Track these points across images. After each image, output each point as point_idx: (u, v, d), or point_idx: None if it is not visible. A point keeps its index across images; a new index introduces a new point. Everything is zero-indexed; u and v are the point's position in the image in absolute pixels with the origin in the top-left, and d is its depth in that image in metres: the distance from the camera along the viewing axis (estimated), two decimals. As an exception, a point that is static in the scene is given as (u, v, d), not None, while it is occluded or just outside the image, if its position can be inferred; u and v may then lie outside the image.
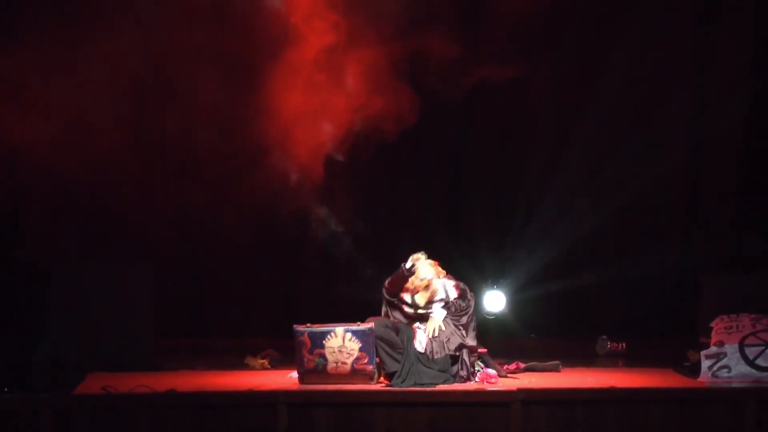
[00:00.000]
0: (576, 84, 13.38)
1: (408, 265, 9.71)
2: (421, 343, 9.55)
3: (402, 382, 9.32)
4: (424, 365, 9.45)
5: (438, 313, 9.69)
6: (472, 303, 9.84)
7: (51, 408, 8.71)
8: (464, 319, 9.72)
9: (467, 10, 12.89)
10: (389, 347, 9.48)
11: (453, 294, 9.79)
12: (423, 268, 9.75)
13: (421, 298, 9.75)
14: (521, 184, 13.43)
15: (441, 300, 9.76)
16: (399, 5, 12.20)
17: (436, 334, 9.60)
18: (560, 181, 13.39)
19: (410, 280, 9.70)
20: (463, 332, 9.70)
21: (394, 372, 9.42)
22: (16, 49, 12.28)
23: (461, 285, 9.89)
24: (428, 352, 9.49)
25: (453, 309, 9.71)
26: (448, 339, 9.60)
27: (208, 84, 12.66)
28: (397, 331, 9.60)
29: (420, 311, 9.77)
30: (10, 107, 12.17)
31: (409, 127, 12.22)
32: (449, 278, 9.91)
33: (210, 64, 12.53)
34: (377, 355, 9.49)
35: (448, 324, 9.68)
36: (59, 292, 11.06)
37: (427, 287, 9.70)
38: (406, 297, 9.81)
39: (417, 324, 9.71)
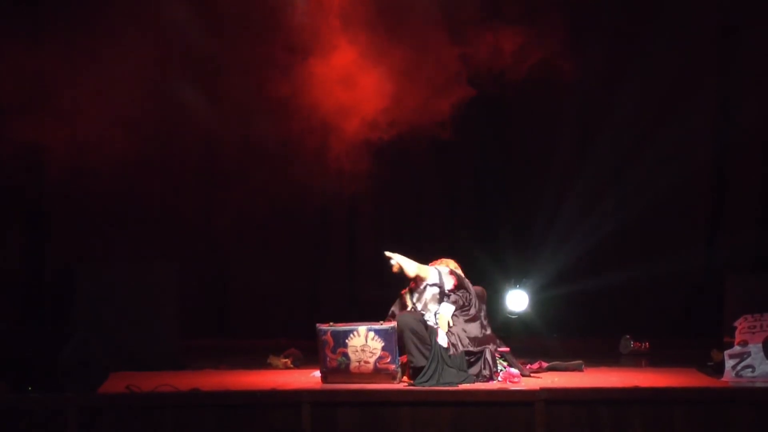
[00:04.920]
0: (601, 84, 13.37)
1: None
2: (442, 338, 9.54)
3: (426, 382, 9.31)
4: (448, 365, 9.44)
5: (445, 309, 9.67)
6: (472, 291, 9.81)
7: (76, 407, 8.75)
8: (472, 311, 9.71)
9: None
10: (420, 342, 9.47)
11: (449, 282, 9.76)
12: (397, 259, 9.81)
13: (407, 269, 9.76)
14: (545, 184, 13.43)
15: (435, 285, 9.74)
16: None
17: (446, 329, 9.59)
18: (585, 181, 13.38)
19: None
20: (477, 324, 9.70)
21: (421, 367, 9.40)
22: (41, 51, 12.37)
23: (458, 273, 9.86)
24: (450, 347, 9.49)
25: (460, 303, 9.70)
26: (460, 335, 9.59)
27: (235, 82, 12.71)
28: (426, 326, 9.60)
29: (418, 303, 9.76)
30: (37, 108, 12.25)
31: (442, 126, 12.22)
32: (445, 266, 9.91)
33: (239, 61, 12.58)
34: (407, 348, 9.47)
35: (458, 319, 9.66)
36: (84, 291, 11.11)
37: (401, 270, 9.75)
38: (407, 296, 9.87)
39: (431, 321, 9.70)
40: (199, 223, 13.85)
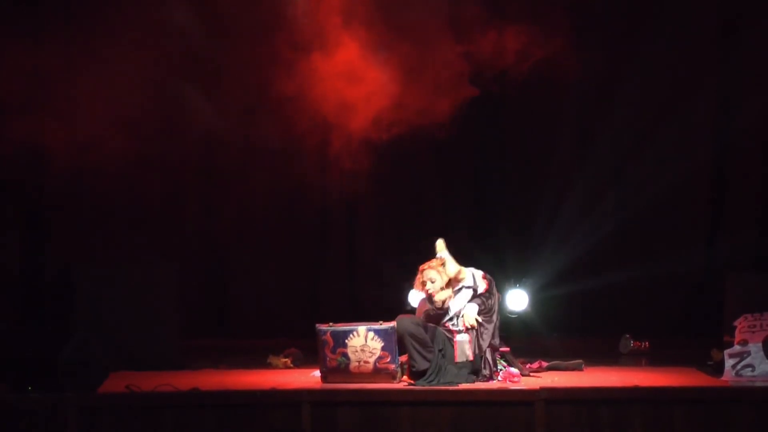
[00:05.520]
0: (601, 84, 13.36)
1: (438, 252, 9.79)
2: (464, 352, 9.49)
3: (428, 383, 9.30)
4: (450, 364, 9.43)
5: (470, 309, 9.62)
6: (496, 299, 9.79)
7: (76, 406, 8.75)
8: (494, 318, 9.69)
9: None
10: (420, 345, 9.46)
11: (481, 285, 9.71)
12: (440, 250, 9.80)
13: (450, 267, 9.72)
14: (545, 184, 13.43)
15: (470, 287, 9.71)
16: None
17: (475, 325, 9.53)
18: (585, 181, 13.38)
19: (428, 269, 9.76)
20: (494, 332, 9.70)
21: (423, 371, 9.39)
22: (41, 51, 12.37)
23: (488, 277, 9.83)
24: (474, 357, 9.46)
25: (484, 308, 9.66)
26: (480, 342, 9.55)
27: (235, 82, 12.71)
28: (426, 329, 9.58)
29: (442, 303, 9.69)
30: (37, 109, 12.26)
31: (442, 126, 12.20)
32: (478, 270, 9.87)
33: (238, 60, 12.58)
34: (407, 352, 9.47)
35: (486, 324, 9.63)
36: (84, 291, 11.11)
37: (443, 265, 9.70)
38: (437, 295, 9.79)
39: (452, 323, 9.63)
40: (199, 223, 13.84)
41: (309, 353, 10.71)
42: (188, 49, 12.77)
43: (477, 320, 9.54)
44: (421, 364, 9.43)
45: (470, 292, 9.70)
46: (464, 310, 9.61)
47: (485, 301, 9.65)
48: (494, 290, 9.77)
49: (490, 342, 9.63)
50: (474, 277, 9.75)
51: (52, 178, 13.00)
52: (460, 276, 9.72)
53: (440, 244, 9.82)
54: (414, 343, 9.46)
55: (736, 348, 9.75)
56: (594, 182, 13.42)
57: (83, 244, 13.25)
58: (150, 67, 12.43)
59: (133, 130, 12.33)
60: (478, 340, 9.54)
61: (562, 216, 13.33)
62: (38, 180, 13.22)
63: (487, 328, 9.61)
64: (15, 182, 13.06)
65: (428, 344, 9.48)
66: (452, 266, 9.73)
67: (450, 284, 9.71)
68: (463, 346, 9.51)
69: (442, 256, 9.76)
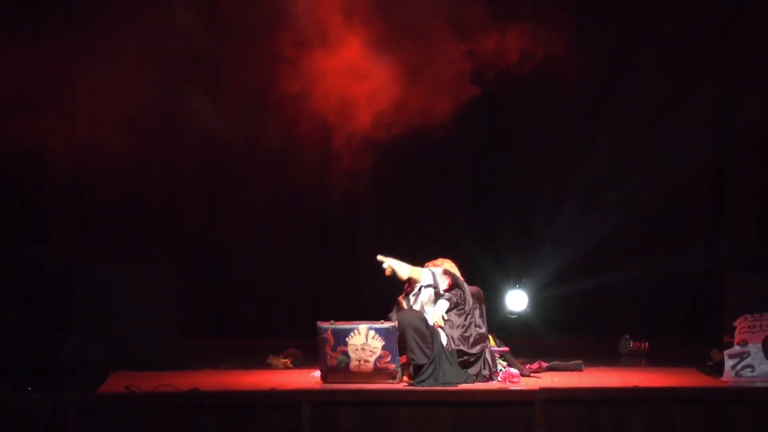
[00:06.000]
0: (601, 83, 13.37)
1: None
2: (443, 337, 9.52)
3: (426, 381, 9.30)
4: (450, 364, 9.43)
5: (439, 305, 9.66)
6: (467, 290, 9.77)
7: (76, 406, 8.75)
8: (466, 308, 9.69)
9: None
10: (421, 340, 9.45)
11: (443, 282, 9.72)
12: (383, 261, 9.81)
13: (400, 272, 9.74)
14: (545, 184, 13.43)
15: (429, 286, 9.72)
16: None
17: (442, 324, 9.57)
18: (584, 180, 13.39)
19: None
20: (476, 322, 9.69)
21: (421, 365, 9.39)
22: (41, 51, 12.37)
23: (452, 273, 9.81)
24: (451, 348, 9.48)
25: (454, 300, 9.67)
26: (452, 333, 9.56)
27: (234, 82, 12.71)
28: (428, 325, 9.58)
29: (415, 306, 9.73)
30: (37, 108, 12.27)
31: (443, 126, 12.19)
32: (438, 267, 9.88)
33: (238, 61, 12.58)
34: (407, 345, 9.45)
35: (452, 317, 9.63)
36: (84, 291, 11.10)
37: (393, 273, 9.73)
38: (404, 302, 9.86)
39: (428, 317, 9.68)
40: (199, 223, 13.85)
41: (309, 354, 10.71)
42: (188, 49, 12.77)
43: (444, 318, 9.57)
44: (420, 358, 9.42)
45: (431, 290, 9.72)
46: (434, 307, 9.65)
47: (454, 295, 9.66)
48: (460, 282, 9.75)
49: (476, 333, 9.62)
50: (434, 275, 9.75)
51: (52, 178, 13.00)
52: (414, 277, 9.74)
53: (380, 257, 9.79)
54: (416, 336, 9.44)
55: (736, 348, 9.75)
56: (594, 182, 13.42)
57: (83, 244, 13.25)
58: (150, 67, 12.43)
59: (133, 130, 12.33)
60: (451, 335, 9.54)
61: (562, 216, 13.34)
62: (38, 180, 13.23)
63: (453, 322, 9.61)
64: (15, 182, 13.06)
65: (429, 340, 9.48)
66: (401, 270, 9.71)
67: (409, 286, 9.77)
68: (441, 332, 9.54)
69: (389, 265, 9.73)
